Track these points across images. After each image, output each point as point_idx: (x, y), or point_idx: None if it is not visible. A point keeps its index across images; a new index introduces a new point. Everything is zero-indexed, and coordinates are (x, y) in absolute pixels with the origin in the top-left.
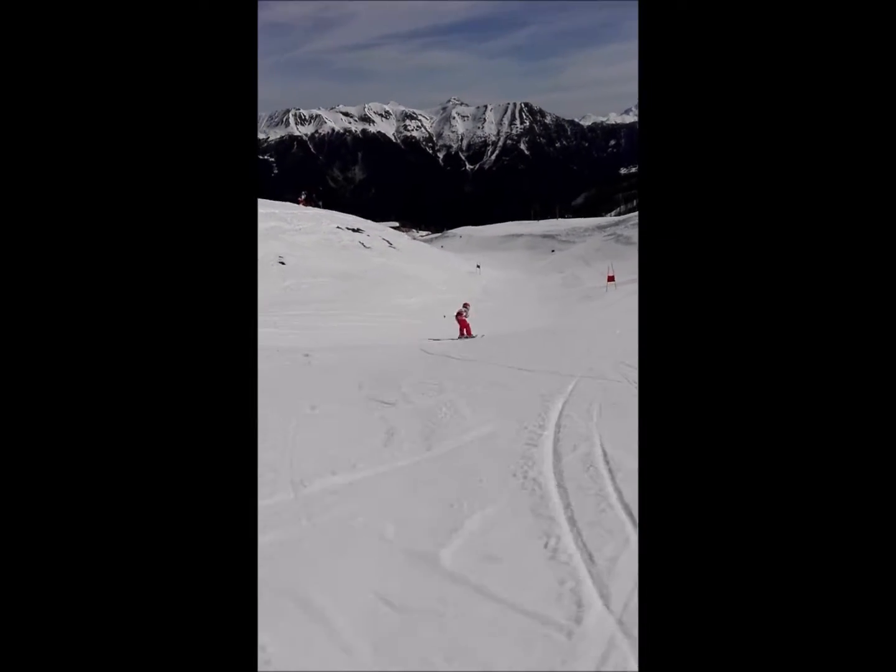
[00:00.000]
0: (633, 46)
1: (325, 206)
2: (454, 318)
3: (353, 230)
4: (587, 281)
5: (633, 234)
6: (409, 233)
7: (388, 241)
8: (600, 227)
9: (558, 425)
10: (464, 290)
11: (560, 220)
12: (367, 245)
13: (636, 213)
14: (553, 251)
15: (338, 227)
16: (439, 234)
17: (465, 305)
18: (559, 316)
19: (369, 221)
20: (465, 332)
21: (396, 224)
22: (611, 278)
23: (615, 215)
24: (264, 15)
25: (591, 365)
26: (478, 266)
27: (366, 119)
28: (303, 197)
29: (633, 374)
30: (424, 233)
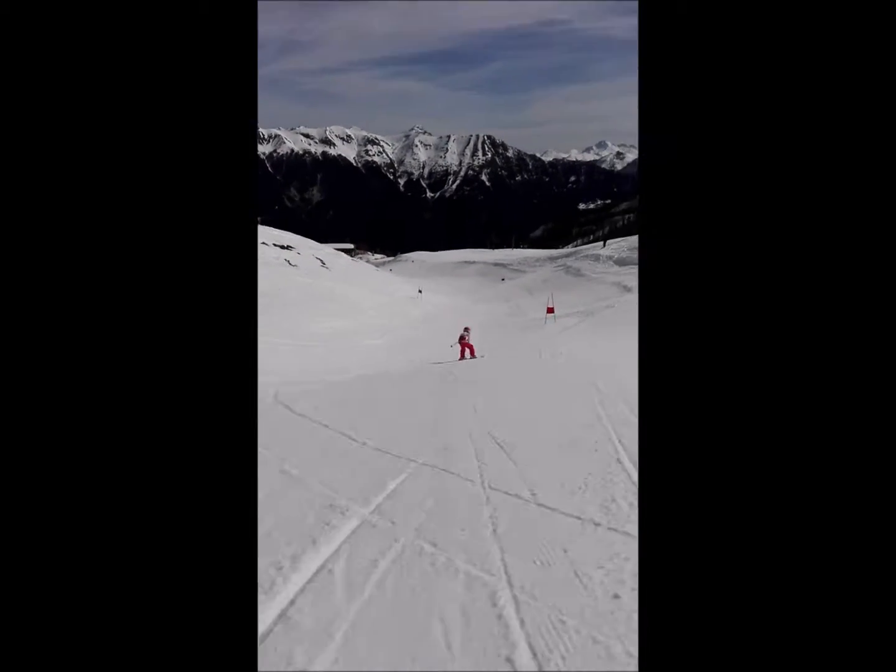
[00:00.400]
0: (594, 88)
1: (275, 226)
2: (458, 342)
3: (282, 247)
4: (530, 311)
5: (583, 265)
6: (364, 256)
7: (320, 261)
8: (552, 258)
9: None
10: (399, 316)
11: (515, 249)
12: (294, 263)
13: (587, 245)
14: (503, 280)
15: (262, 243)
16: (393, 258)
17: (466, 329)
18: (491, 347)
19: (310, 240)
20: (468, 353)
21: (351, 246)
22: (550, 310)
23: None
24: None
25: (453, 439)
26: (420, 291)
27: (327, 142)
28: None
29: (495, 466)
30: (379, 256)
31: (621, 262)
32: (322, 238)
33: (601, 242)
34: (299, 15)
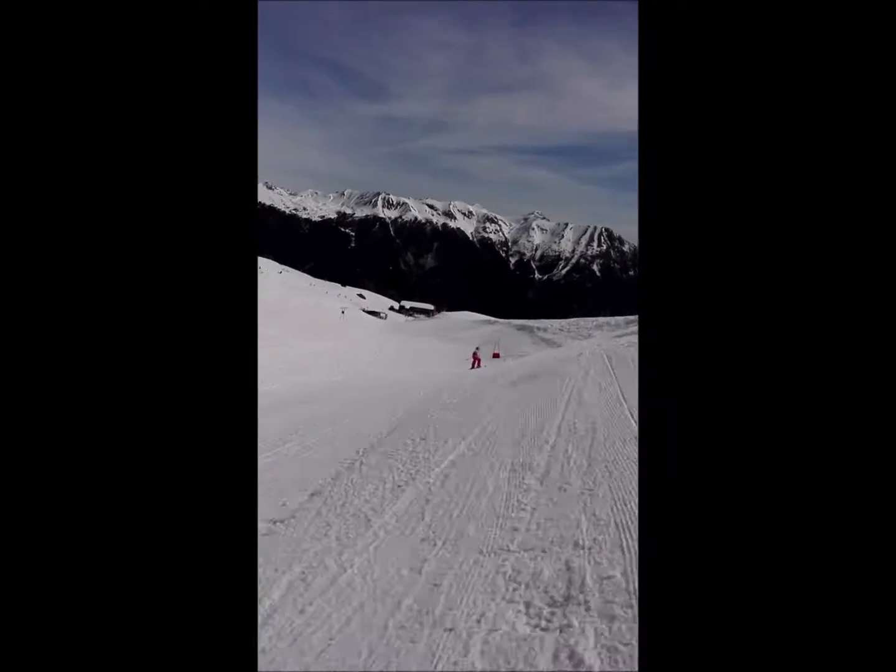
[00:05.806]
0: None
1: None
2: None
3: None
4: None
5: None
6: (441, 314)
7: None
8: (609, 326)
9: None
10: None
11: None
12: None
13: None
14: (499, 357)
15: None
16: (437, 314)
17: (477, 349)
18: None
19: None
20: (477, 363)
21: (431, 307)
22: None
23: None
24: (386, 109)
25: None
26: None
27: (449, 214)
28: None
29: None
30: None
31: None
32: (423, 299)
33: None
34: (449, 99)
